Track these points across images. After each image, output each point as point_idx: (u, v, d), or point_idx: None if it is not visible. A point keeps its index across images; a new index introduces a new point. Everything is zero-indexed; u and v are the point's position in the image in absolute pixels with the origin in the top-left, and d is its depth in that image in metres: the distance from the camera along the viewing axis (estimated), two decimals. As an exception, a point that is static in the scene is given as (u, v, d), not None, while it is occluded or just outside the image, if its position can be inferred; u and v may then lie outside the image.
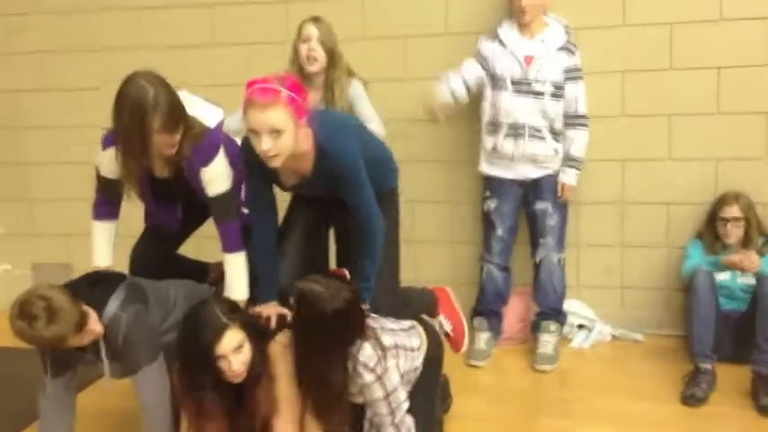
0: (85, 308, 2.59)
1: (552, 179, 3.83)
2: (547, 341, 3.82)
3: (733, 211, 3.70)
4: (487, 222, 3.95)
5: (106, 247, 3.12)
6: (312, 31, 3.56)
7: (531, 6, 3.66)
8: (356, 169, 2.78)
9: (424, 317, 3.05)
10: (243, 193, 3.08)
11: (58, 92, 4.63)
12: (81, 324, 2.56)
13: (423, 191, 4.20)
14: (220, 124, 2.96)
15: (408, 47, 4.15)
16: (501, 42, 3.77)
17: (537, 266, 3.91)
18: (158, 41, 4.35)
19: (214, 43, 4.35)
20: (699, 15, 3.79)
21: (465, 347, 3.36)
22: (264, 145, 2.60)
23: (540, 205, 3.85)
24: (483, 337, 3.90)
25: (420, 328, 2.83)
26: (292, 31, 3.66)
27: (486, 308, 3.96)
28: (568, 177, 3.82)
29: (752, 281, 3.58)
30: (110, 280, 2.79)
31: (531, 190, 3.85)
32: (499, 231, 3.91)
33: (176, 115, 2.77)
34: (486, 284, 3.96)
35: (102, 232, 3.12)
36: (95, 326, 2.63)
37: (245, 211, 3.09)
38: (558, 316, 3.93)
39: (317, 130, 2.74)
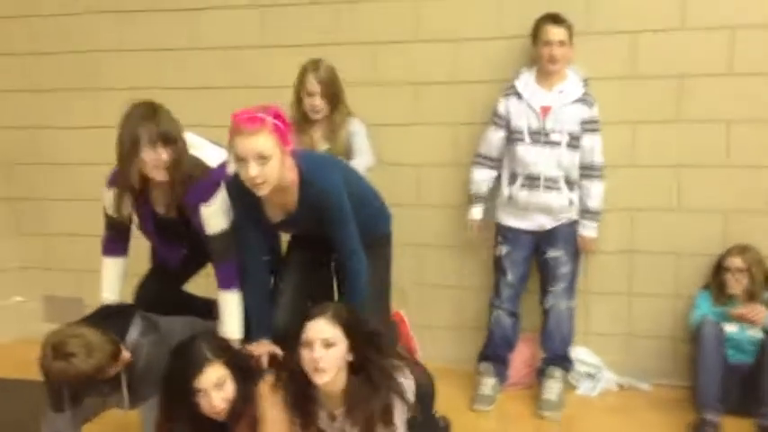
0: (115, 337, 2.65)
1: (566, 228, 3.85)
2: (552, 387, 3.82)
3: (736, 262, 3.71)
4: (498, 268, 3.97)
5: (114, 282, 3.19)
6: (315, 87, 3.63)
7: (562, 57, 3.72)
8: (339, 200, 2.83)
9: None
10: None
11: (77, 130, 4.72)
12: (116, 353, 2.65)
13: (431, 235, 4.25)
14: (223, 164, 3.01)
15: (420, 92, 4.21)
16: (518, 95, 3.82)
17: (546, 313, 3.92)
18: (178, 83, 4.42)
19: (234, 86, 4.40)
20: (709, 69, 3.85)
21: None
22: (252, 171, 2.67)
23: (552, 253, 3.86)
24: (489, 383, 3.90)
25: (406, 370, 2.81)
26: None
27: (494, 353, 3.97)
28: (588, 230, 3.85)
29: (760, 334, 3.59)
30: (122, 311, 2.86)
31: (545, 239, 3.87)
32: (509, 277, 3.92)
33: (166, 130, 2.84)
34: (495, 330, 3.96)
35: (111, 268, 3.19)
36: (126, 353, 2.71)
37: None
38: (564, 362, 3.93)
39: (302, 161, 2.83)
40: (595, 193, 3.83)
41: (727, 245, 3.82)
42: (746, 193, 3.88)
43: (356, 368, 2.59)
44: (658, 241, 4.01)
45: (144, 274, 3.37)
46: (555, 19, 3.73)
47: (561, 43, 3.70)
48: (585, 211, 3.85)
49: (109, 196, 3.04)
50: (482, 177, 3.94)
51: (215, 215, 2.97)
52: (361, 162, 3.63)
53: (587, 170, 3.82)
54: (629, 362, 4.10)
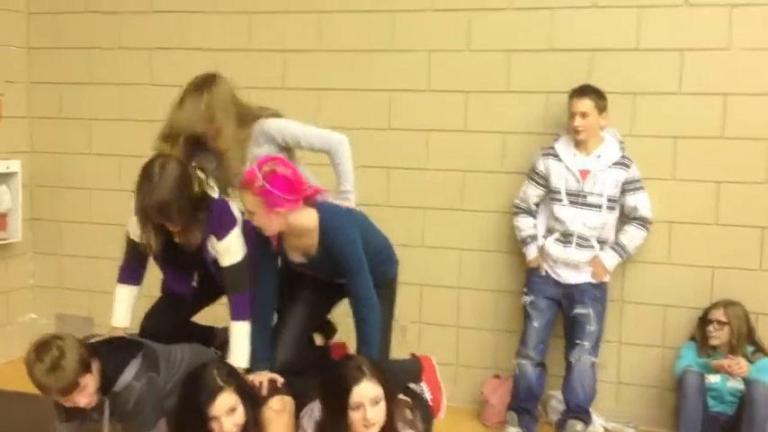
0: (87, 356, 2.80)
1: (593, 285, 3.99)
2: None
3: (718, 314, 3.87)
4: (525, 314, 4.10)
5: (126, 309, 3.29)
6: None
7: (584, 128, 3.90)
8: (354, 251, 3.02)
9: (412, 386, 3.24)
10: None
11: (99, 156, 4.95)
12: (84, 369, 2.78)
13: (468, 278, 4.43)
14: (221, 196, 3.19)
15: (431, 141, 4.43)
16: (556, 157, 3.99)
17: (570, 366, 3.98)
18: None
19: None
20: (701, 131, 4.04)
21: (441, 416, 3.46)
22: (246, 215, 3.01)
23: (580, 310, 3.97)
24: (510, 431, 4.01)
25: (411, 403, 2.98)
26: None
27: (518, 405, 4.04)
28: (607, 259, 3.98)
29: (741, 385, 3.73)
30: (127, 347, 2.98)
31: (571, 294, 4.00)
32: (535, 323, 4.04)
33: (161, 202, 2.95)
34: (519, 381, 4.04)
35: (124, 295, 3.30)
36: (95, 369, 2.82)
37: None
38: (585, 416, 3.99)
39: (322, 209, 3.03)
40: (634, 236, 3.98)
41: (713, 299, 3.98)
42: (734, 250, 4.04)
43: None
44: (648, 293, 4.17)
45: (154, 303, 3.47)
46: (580, 91, 3.93)
47: (584, 115, 3.88)
48: (617, 244, 3.99)
49: (134, 221, 3.14)
50: (527, 224, 4.12)
51: (229, 249, 3.11)
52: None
53: (634, 219, 3.99)
54: (617, 408, 4.24)
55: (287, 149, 3.41)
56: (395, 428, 2.77)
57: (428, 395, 3.43)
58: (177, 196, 2.96)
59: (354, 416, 2.67)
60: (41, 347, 2.74)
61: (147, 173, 2.98)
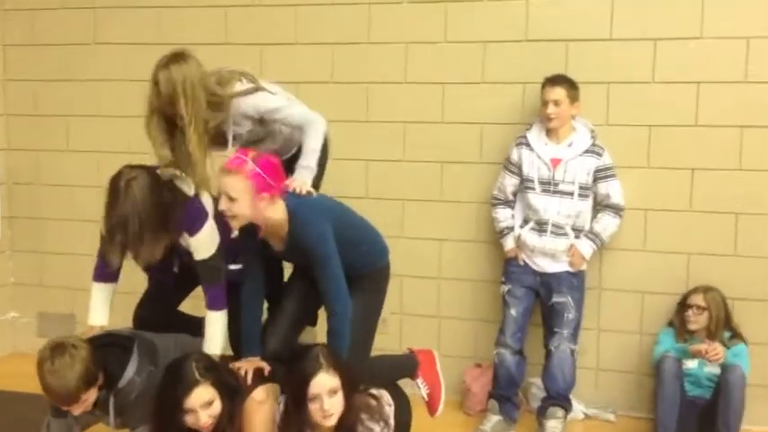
0: (95, 370, 2.81)
1: (570, 275, 4.03)
2: (554, 427, 3.94)
3: (697, 299, 3.92)
4: (503, 303, 4.14)
5: (103, 307, 3.28)
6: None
7: (556, 115, 3.95)
8: (320, 244, 3.00)
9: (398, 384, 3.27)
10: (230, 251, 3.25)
11: (77, 153, 4.93)
12: (90, 383, 2.79)
13: (448, 268, 4.47)
14: (196, 194, 3.17)
15: (408, 132, 4.46)
16: (528, 146, 4.05)
17: (550, 353, 4.01)
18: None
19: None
20: (675, 119, 4.09)
21: (440, 412, 3.49)
22: (221, 205, 2.95)
23: (559, 298, 4.01)
24: (492, 419, 4.04)
25: (387, 397, 2.99)
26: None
27: (498, 393, 4.08)
28: (583, 247, 4.02)
29: (717, 370, 3.79)
30: (121, 343, 2.98)
31: (549, 283, 4.05)
32: (513, 311, 4.08)
33: (125, 216, 2.93)
34: (499, 370, 4.08)
35: (100, 293, 3.29)
36: (99, 382, 2.84)
37: (233, 267, 3.26)
38: (565, 403, 4.03)
39: (291, 203, 3.03)
40: (607, 224, 4.03)
41: (690, 286, 4.04)
42: (709, 236, 4.10)
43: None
44: (625, 280, 4.23)
45: (142, 295, 3.49)
46: (553, 80, 3.99)
47: (556, 102, 3.94)
48: (591, 232, 4.04)
49: None
50: (505, 215, 4.16)
51: (202, 244, 3.13)
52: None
53: (607, 207, 4.04)
54: (596, 394, 4.30)
55: (265, 123, 3.34)
56: (355, 419, 2.82)
57: (424, 391, 3.46)
58: (142, 216, 2.94)
59: (312, 406, 2.74)
60: (56, 349, 2.76)
61: (112, 190, 2.97)
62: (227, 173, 2.92)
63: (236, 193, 2.90)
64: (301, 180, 3.17)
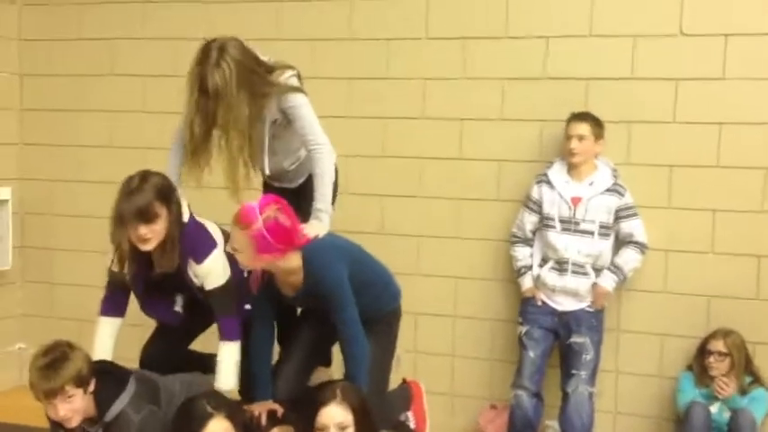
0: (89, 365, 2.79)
1: (589, 315, 3.97)
2: None
3: (718, 345, 3.85)
4: (520, 344, 4.07)
5: (107, 342, 3.24)
6: None
7: (580, 151, 3.92)
8: (338, 288, 2.98)
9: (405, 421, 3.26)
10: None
11: (90, 183, 4.89)
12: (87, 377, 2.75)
13: (464, 306, 4.40)
14: (191, 216, 3.14)
15: (425, 168, 4.42)
16: (549, 183, 4.01)
17: (567, 396, 3.94)
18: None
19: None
20: (696, 160, 4.05)
21: None
22: (228, 247, 3.01)
23: (577, 339, 3.95)
24: None
25: None
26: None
27: None
28: (606, 281, 3.95)
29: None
30: (119, 376, 2.93)
31: (567, 323, 3.98)
32: (531, 353, 4.01)
33: (146, 206, 2.96)
34: (516, 412, 3.99)
35: (106, 327, 3.25)
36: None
37: (248, 307, 3.22)
38: None
39: (306, 250, 2.99)
40: (630, 258, 3.97)
41: (710, 329, 3.96)
42: (730, 279, 4.02)
43: None
44: (645, 321, 4.15)
45: (149, 337, 3.45)
46: (579, 116, 3.97)
47: (580, 138, 3.91)
48: (613, 265, 3.98)
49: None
50: (524, 254, 4.10)
51: (210, 273, 3.09)
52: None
53: (630, 243, 3.98)
54: (614, 438, 4.21)
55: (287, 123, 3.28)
56: None
57: (412, 424, 3.42)
58: (160, 201, 2.97)
59: None
60: (50, 347, 2.78)
61: (128, 184, 3.02)
62: (234, 223, 2.91)
63: (238, 246, 2.91)
64: (319, 228, 3.13)
